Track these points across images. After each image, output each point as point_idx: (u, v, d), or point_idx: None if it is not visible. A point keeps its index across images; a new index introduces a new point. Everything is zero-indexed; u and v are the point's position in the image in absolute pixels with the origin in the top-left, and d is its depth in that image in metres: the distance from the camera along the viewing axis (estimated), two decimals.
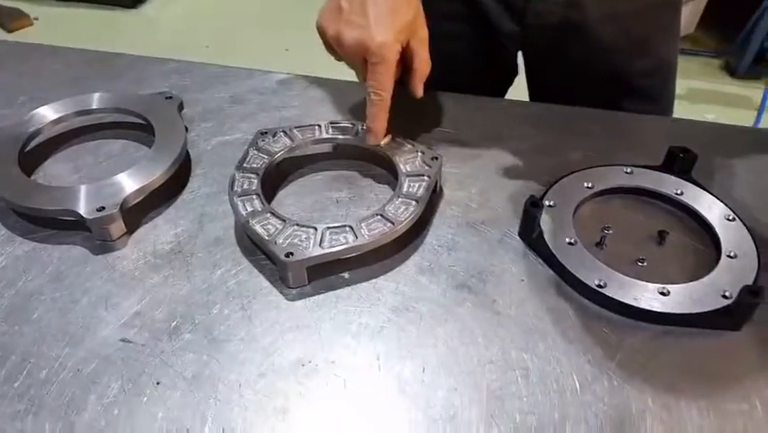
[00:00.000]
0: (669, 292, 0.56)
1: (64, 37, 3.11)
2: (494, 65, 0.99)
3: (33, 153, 0.72)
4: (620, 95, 0.92)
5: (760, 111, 2.38)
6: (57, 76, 0.88)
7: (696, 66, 2.79)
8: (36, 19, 3.25)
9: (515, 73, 1.02)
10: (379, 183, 0.70)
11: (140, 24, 3.29)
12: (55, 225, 0.64)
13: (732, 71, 2.74)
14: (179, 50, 3.01)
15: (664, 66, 0.95)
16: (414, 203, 0.62)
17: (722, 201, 0.65)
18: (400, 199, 0.62)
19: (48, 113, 0.73)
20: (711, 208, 0.65)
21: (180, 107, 0.76)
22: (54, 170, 0.72)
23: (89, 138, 0.76)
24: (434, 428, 0.48)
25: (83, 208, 0.61)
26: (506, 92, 1.05)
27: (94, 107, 0.74)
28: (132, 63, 0.91)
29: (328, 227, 0.59)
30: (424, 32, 0.69)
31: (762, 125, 2.39)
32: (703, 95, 2.58)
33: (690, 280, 0.58)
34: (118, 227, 0.63)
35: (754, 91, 2.61)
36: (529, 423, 0.48)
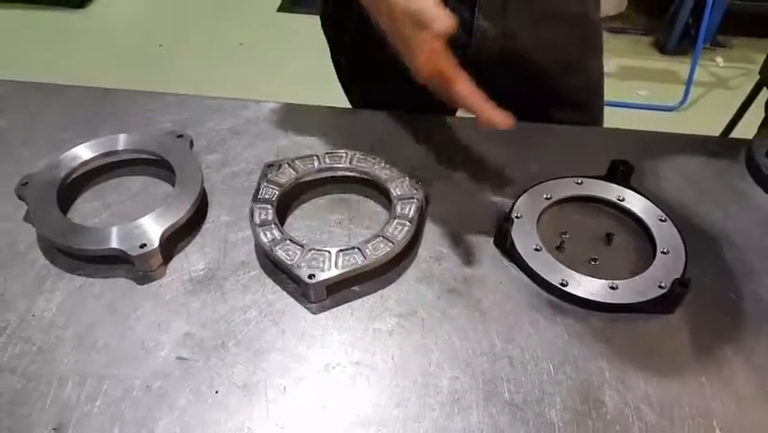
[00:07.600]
0: (617, 287, 0.70)
1: (11, 40, 3.07)
2: None
3: (66, 193, 0.81)
4: (556, 107, 1.08)
5: (687, 85, 2.57)
6: (64, 115, 0.95)
7: (627, 44, 2.98)
8: None
9: None
10: (373, 204, 0.83)
11: (90, 25, 3.27)
12: (97, 260, 0.74)
13: (661, 48, 2.93)
14: (135, 51, 3.04)
15: (593, 80, 1.10)
16: (408, 224, 0.74)
17: (656, 204, 0.80)
18: (396, 221, 0.75)
19: (78, 155, 0.82)
20: (647, 211, 0.80)
21: (191, 145, 0.86)
22: (86, 209, 0.81)
23: (111, 176, 0.85)
24: (444, 410, 0.61)
25: (127, 246, 0.71)
26: None
27: (120, 149, 0.84)
28: (131, 99, 0.99)
29: (340, 250, 0.71)
30: None
31: (690, 99, 2.59)
32: (635, 72, 2.77)
33: (634, 275, 0.73)
34: (157, 259, 0.73)
35: (681, 66, 2.81)
36: (516, 400, 0.62)
